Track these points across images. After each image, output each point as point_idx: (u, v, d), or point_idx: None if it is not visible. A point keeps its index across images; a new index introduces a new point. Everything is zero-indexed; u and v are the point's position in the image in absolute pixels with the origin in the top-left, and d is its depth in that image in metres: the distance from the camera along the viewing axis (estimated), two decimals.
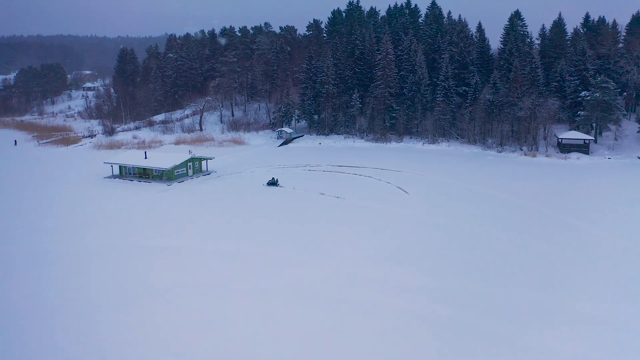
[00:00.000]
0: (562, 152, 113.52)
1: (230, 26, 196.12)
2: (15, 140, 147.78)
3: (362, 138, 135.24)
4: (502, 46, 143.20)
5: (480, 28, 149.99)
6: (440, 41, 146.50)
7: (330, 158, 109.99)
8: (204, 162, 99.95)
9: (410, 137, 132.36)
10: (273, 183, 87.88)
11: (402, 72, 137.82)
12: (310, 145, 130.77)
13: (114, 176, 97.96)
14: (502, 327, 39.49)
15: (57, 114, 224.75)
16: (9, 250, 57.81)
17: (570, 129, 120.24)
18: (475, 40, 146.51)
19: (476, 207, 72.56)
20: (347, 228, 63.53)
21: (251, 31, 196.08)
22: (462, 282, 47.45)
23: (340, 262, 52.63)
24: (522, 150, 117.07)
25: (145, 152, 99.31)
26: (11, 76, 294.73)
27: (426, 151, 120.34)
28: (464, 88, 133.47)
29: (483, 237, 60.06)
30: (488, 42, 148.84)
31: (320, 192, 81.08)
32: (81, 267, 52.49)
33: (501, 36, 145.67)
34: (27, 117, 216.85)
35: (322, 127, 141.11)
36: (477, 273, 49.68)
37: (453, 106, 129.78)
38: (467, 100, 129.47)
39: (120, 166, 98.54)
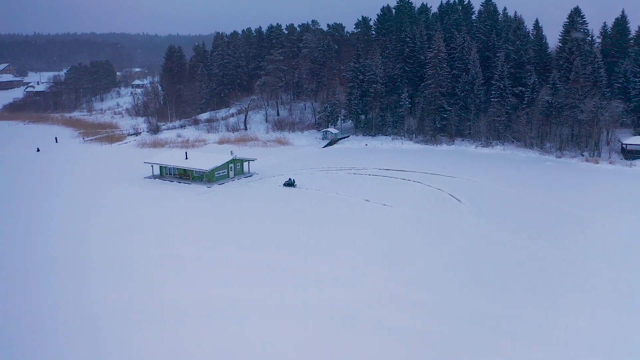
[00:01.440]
0: (626, 158, 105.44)
1: (277, 24, 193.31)
2: (56, 138, 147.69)
3: (410, 140, 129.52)
4: (560, 45, 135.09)
5: (537, 25, 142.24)
6: (495, 39, 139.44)
7: (377, 161, 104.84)
8: (245, 164, 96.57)
9: (462, 140, 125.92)
10: (290, 184, 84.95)
11: (454, 71, 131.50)
12: (356, 147, 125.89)
13: (154, 176, 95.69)
14: None
15: (105, 110, 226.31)
16: (41, 254, 55.26)
17: (635, 134, 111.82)
18: (532, 38, 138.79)
19: (536, 220, 66.32)
20: (393, 242, 58.59)
21: (298, 29, 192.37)
22: (525, 310, 41.92)
23: (384, 281, 47.82)
24: (582, 156, 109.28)
25: (186, 153, 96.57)
26: (62, 73, 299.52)
27: (479, 155, 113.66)
28: (520, 88, 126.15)
29: (546, 257, 54.01)
30: (545, 40, 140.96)
31: (365, 198, 76.24)
32: (106, 276, 49.50)
33: (560, 34, 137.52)
34: (75, 114, 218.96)
35: (369, 127, 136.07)
36: (538, 300, 43.98)
37: (508, 107, 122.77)
38: (524, 102, 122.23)
39: (160, 166, 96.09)
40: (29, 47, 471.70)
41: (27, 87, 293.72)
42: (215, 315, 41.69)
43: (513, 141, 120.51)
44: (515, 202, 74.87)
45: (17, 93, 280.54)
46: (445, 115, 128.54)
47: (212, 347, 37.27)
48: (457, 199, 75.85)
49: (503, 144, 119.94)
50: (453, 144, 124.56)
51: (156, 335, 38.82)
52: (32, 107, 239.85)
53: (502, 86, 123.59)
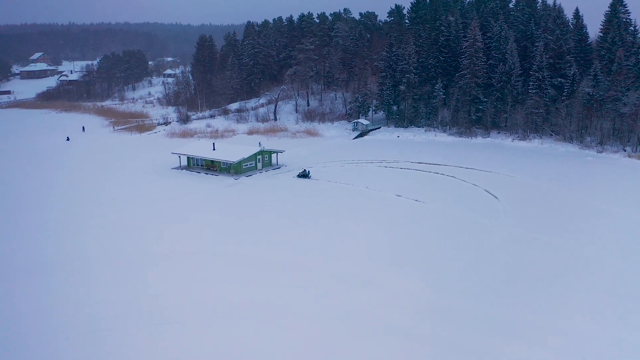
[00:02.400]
0: None
1: (309, 12, 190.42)
2: (83, 127, 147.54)
3: (444, 132, 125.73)
4: (601, 35, 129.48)
5: (577, 14, 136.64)
6: (534, 28, 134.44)
7: (409, 153, 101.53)
8: (273, 156, 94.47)
9: (498, 132, 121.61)
10: (304, 175, 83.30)
11: (490, 61, 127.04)
12: (388, 139, 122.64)
13: (181, 167, 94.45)
14: None
15: (136, 100, 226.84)
16: (59, 250, 53.93)
17: None
18: (572, 27, 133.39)
19: (576, 220, 62.39)
20: (423, 242, 55.54)
21: (330, 18, 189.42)
22: (557, 317, 38.78)
23: (404, 283, 45.13)
24: (625, 151, 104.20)
25: (214, 143, 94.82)
26: (95, 62, 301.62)
27: (516, 148, 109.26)
28: (559, 79, 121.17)
29: (586, 259, 50.48)
30: (586, 29, 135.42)
31: (397, 193, 73.29)
32: (115, 274, 47.98)
33: (601, 24, 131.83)
34: (107, 103, 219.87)
35: (401, 118, 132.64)
36: (574, 307, 40.79)
37: (547, 99, 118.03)
38: (563, 93, 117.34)
39: (188, 157, 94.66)
40: (64, 37, 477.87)
41: (60, 76, 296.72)
42: (227, 318, 39.75)
43: (551, 134, 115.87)
44: (554, 199, 70.95)
45: (51, 82, 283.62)
46: (480, 107, 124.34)
47: (221, 353, 35.36)
48: (493, 195, 72.28)
49: (541, 138, 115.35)
50: (488, 136, 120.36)
51: (164, 338, 36.97)
52: (65, 96, 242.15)
53: (540, 77, 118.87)
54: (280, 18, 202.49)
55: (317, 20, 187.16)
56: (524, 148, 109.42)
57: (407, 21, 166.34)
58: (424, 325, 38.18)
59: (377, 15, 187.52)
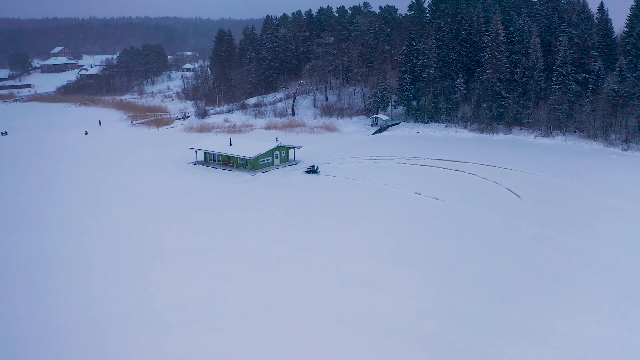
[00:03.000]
0: None
1: (328, 6, 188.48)
2: (100, 121, 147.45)
3: (465, 128, 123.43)
4: (627, 30, 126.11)
5: (602, 8, 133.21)
6: (557, 22, 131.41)
7: (429, 150, 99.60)
8: (291, 151, 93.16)
9: (520, 129, 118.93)
10: (313, 171, 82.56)
11: (513, 56, 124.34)
12: (407, 134, 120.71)
13: (197, 162, 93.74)
14: None
15: (155, 94, 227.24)
16: (76, 244, 53.25)
17: None
18: (597, 22, 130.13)
19: (601, 220, 60.14)
20: (442, 243, 53.77)
21: (349, 11, 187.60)
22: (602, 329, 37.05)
23: (417, 286, 43.67)
24: None
25: (230, 139, 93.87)
26: (115, 56, 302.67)
27: (539, 145, 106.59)
28: (583, 75, 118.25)
29: (611, 263, 48.42)
30: (611, 24, 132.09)
31: (416, 191, 71.57)
32: (130, 272, 46.96)
33: (627, 18, 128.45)
34: (126, 97, 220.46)
35: (421, 114, 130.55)
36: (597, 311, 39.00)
37: (571, 95, 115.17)
38: (588, 89, 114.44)
39: (204, 152, 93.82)
40: (85, 31, 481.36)
41: (80, 70, 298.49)
42: (230, 319, 38.78)
43: (575, 131, 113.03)
44: (577, 199, 68.55)
45: (71, 76, 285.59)
46: (502, 103, 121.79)
47: (222, 354, 34.44)
48: (515, 194, 70.20)
49: (564, 134, 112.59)
50: (510, 133, 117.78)
51: (165, 338, 35.99)
52: (84, 90, 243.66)
53: (564, 72, 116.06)
54: (299, 12, 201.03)
55: (337, 14, 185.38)
56: (547, 145, 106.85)
57: (427, 15, 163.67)
58: (450, 331, 36.74)
59: (397, 9, 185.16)
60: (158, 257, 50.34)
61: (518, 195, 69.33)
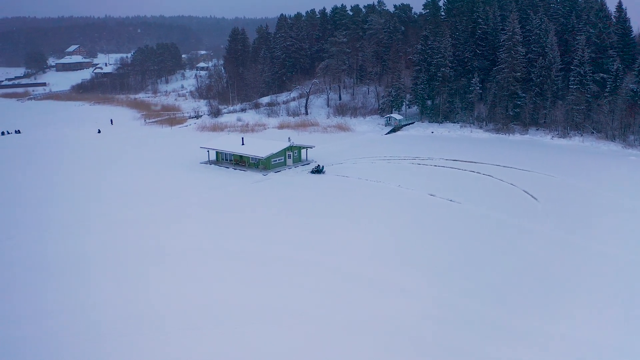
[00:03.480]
0: None
1: (342, 5, 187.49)
2: (111, 120, 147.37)
3: (480, 128, 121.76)
4: None
5: (620, 7, 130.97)
6: (575, 21, 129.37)
7: (443, 150, 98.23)
8: (303, 151, 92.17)
9: (537, 129, 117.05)
10: (318, 170, 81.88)
11: (529, 55, 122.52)
12: (421, 134, 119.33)
13: (209, 162, 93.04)
14: None
15: (169, 92, 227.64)
16: (82, 242, 52.64)
17: None
18: (615, 21, 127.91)
19: (621, 223, 58.42)
20: (457, 247, 52.33)
21: (363, 10, 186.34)
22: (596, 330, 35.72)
23: (440, 291, 42.39)
24: None
25: (242, 138, 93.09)
26: (129, 55, 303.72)
27: (555, 146, 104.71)
28: (601, 75, 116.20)
29: (637, 268, 46.91)
30: (629, 23, 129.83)
31: (430, 192, 70.30)
32: (130, 274, 46.10)
33: None
34: (140, 95, 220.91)
35: (436, 113, 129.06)
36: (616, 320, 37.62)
37: (588, 95, 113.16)
38: (606, 89, 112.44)
39: (216, 152, 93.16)
40: (100, 30, 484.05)
41: (95, 69, 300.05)
42: (231, 319, 38.00)
43: (593, 132, 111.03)
44: (595, 201, 66.90)
45: (86, 74, 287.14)
46: (518, 102, 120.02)
47: (223, 354, 33.72)
48: (532, 196, 68.67)
49: (582, 135, 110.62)
50: (527, 133, 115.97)
51: (165, 338, 35.20)
52: (99, 88, 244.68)
53: (582, 72, 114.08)
54: (313, 11, 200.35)
55: (351, 13, 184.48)
56: (564, 146, 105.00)
57: (443, 13, 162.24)
58: (452, 334, 35.61)
59: (412, 8, 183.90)
60: (160, 257, 49.57)
61: (535, 198, 67.81)
